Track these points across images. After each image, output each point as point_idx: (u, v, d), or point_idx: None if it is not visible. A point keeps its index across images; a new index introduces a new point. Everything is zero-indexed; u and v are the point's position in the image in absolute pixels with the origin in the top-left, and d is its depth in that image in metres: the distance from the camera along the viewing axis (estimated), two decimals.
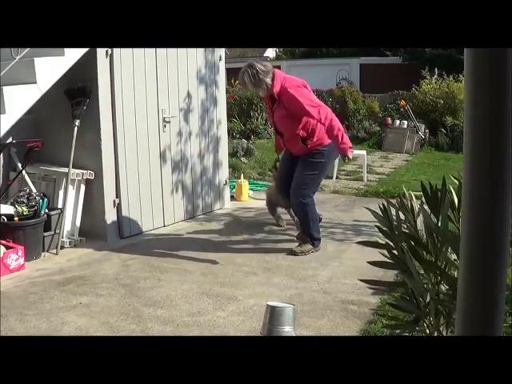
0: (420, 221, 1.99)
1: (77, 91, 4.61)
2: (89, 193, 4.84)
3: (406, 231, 1.95)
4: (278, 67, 9.18)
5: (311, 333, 3.07)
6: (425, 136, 11.24)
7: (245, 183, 6.67)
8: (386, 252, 1.96)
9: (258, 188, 7.13)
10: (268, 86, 4.31)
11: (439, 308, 1.84)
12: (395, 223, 1.94)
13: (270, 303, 2.73)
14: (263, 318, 2.72)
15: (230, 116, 9.69)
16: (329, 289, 3.77)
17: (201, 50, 5.70)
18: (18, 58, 3.80)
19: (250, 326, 3.17)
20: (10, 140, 4.72)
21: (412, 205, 2.03)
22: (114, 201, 4.88)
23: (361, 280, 2.34)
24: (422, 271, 1.90)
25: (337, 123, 4.33)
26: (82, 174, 4.70)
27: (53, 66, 4.20)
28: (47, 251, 4.52)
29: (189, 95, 5.59)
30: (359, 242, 3.98)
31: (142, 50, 4.90)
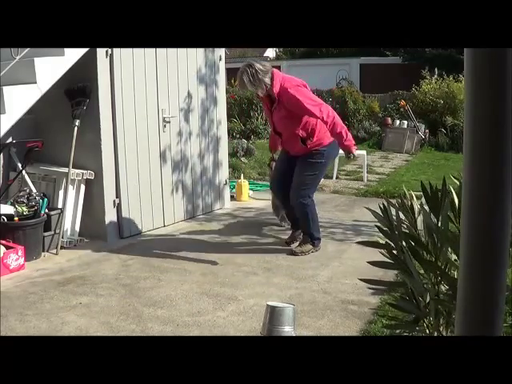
0: (420, 221, 1.99)
1: (77, 91, 4.61)
2: (89, 193, 4.84)
3: (406, 231, 1.95)
4: (278, 67, 9.19)
5: (311, 333, 3.08)
6: (425, 136, 11.24)
7: (245, 183, 6.67)
8: (385, 252, 1.96)
9: (258, 188, 7.12)
10: (267, 86, 4.27)
11: (439, 308, 1.84)
12: (395, 223, 1.94)
13: (270, 303, 2.73)
14: (263, 317, 2.72)
15: (230, 116, 9.69)
16: (329, 289, 3.77)
17: (201, 50, 5.70)
18: (18, 58, 3.80)
19: (249, 325, 3.17)
20: (9, 140, 4.72)
21: (412, 205, 2.03)
22: (114, 201, 4.87)
23: (361, 280, 2.34)
24: (421, 271, 1.90)
25: (339, 120, 4.33)
26: (82, 173, 4.70)
27: (53, 66, 4.20)
28: (47, 251, 4.52)
29: (189, 95, 5.59)
30: (359, 242, 3.98)
31: (142, 50, 4.89)
